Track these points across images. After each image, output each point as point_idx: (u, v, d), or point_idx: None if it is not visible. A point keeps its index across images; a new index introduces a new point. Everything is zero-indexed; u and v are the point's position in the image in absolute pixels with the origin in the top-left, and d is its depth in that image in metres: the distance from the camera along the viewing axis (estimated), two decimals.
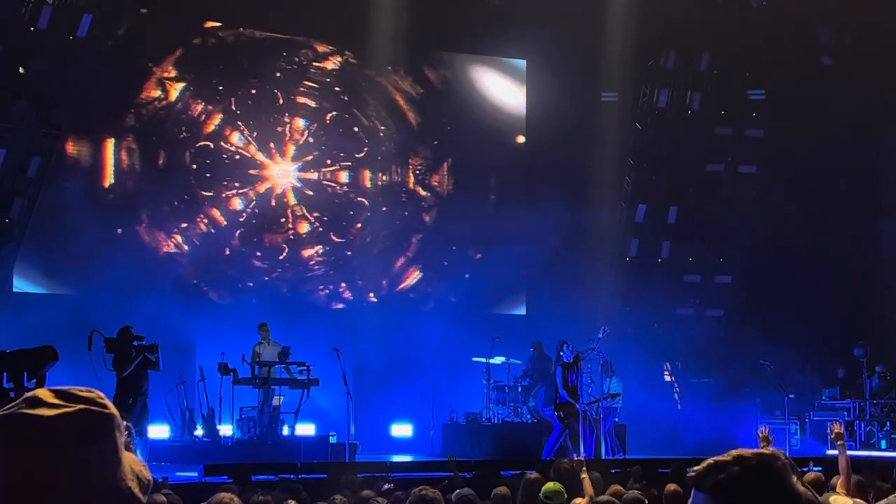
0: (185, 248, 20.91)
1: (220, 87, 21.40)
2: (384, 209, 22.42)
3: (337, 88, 22.25)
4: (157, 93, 20.93)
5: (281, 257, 21.60)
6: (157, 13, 20.64)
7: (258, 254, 21.48)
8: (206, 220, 21.15)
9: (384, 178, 22.57)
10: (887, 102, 22.14)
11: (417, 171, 22.81)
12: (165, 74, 21.00)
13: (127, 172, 20.69)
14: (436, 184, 22.93)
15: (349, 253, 22.08)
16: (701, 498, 2.41)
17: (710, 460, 2.44)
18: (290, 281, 21.54)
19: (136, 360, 14.74)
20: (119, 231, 20.20)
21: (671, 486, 8.67)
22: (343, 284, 22.07)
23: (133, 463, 1.95)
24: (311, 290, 21.74)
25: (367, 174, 22.42)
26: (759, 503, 2.37)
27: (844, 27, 22.52)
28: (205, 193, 21.15)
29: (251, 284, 21.25)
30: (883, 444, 19.56)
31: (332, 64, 22.30)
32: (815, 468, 12.96)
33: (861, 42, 22.01)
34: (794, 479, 2.44)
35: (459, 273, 21.93)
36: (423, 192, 22.85)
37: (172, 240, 20.84)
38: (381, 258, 22.16)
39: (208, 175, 21.19)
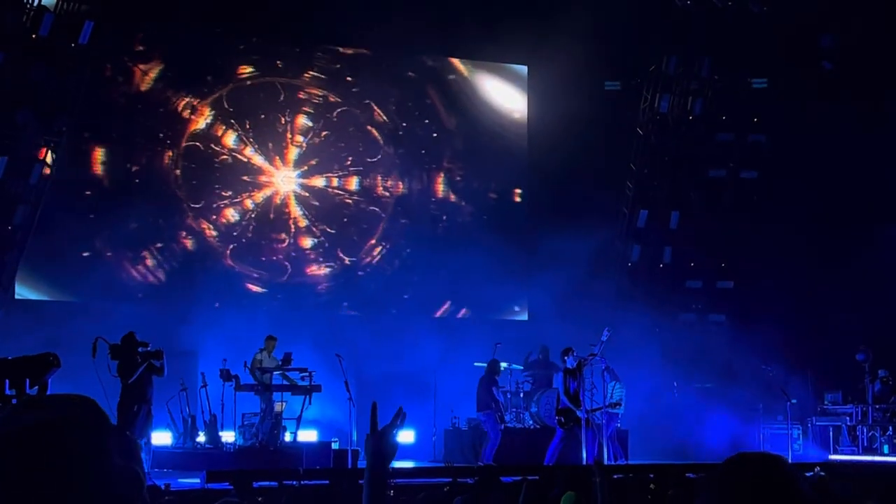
0: (158, 274, 20.46)
1: (209, 78, 21.26)
2: (403, 221, 22.30)
3: (349, 78, 22.13)
4: (199, 124, 20.80)
5: (283, 247, 21.44)
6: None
7: (255, 276, 21.30)
8: (224, 219, 21.03)
9: (401, 186, 22.33)
10: (889, 106, 22.13)
11: (456, 178, 22.58)
12: (202, 110, 20.82)
13: (117, 177, 20.52)
14: (451, 190, 22.73)
15: (361, 273, 21.93)
16: (709, 500, 2.43)
17: (719, 464, 2.46)
18: (293, 304, 21.35)
19: (141, 367, 14.74)
20: (116, 239, 20.17)
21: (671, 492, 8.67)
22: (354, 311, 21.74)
23: (128, 464, 1.95)
24: (317, 305, 21.57)
25: (355, 180, 22.26)
26: (765, 502, 2.39)
27: (846, 31, 22.51)
28: (194, 206, 20.98)
29: (260, 275, 21.16)
30: (885, 448, 19.53)
31: (342, 50, 22.04)
32: (820, 473, 12.98)
33: (863, 46, 21.99)
34: (799, 479, 2.46)
35: (460, 278, 21.91)
36: (434, 199, 22.65)
37: (142, 265, 20.38)
38: (395, 277, 22.01)
39: (194, 182, 21.00)
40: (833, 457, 19.27)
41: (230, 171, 21.18)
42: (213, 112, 21.07)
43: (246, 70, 21.36)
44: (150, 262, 20.51)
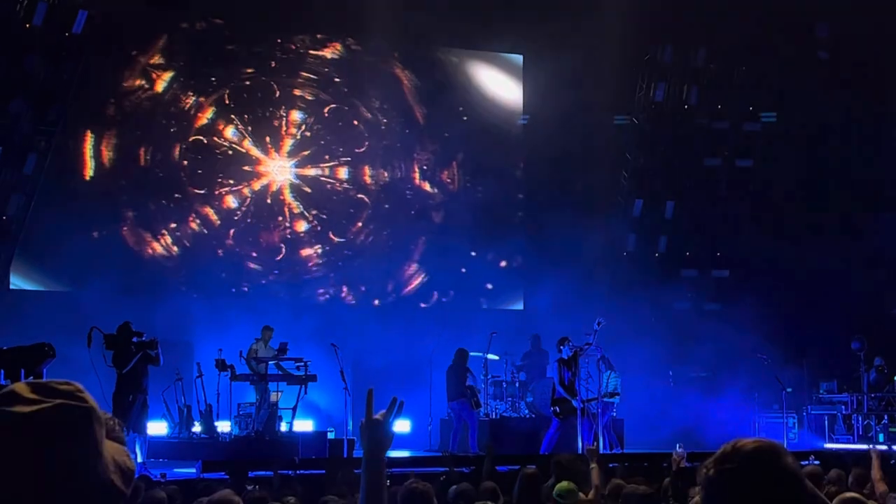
0: (175, 249, 20.83)
1: (213, 79, 21.34)
2: (386, 206, 22.37)
3: (337, 79, 22.18)
4: (142, 82, 20.79)
5: (278, 258, 21.58)
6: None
7: (254, 254, 21.43)
8: (197, 220, 21.13)
9: (385, 174, 22.49)
10: (885, 96, 22.15)
11: (424, 167, 22.75)
12: (151, 61, 20.88)
13: (114, 167, 20.58)
14: (447, 180, 22.84)
15: (348, 252, 22.03)
16: (714, 489, 2.43)
17: (717, 453, 2.47)
18: (288, 284, 21.45)
19: (135, 357, 14.74)
20: (114, 227, 20.18)
21: (666, 482, 8.68)
22: (345, 288, 22.01)
23: (116, 453, 1.94)
24: (311, 294, 21.66)
25: (368, 170, 22.38)
26: (764, 488, 2.39)
27: (842, 21, 22.49)
28: (196, 191, 21.11)
29: (246, 289, 21.23)
30: (881, 437, 19.57)
31: (331, 52, 22.19)
32: (814, 461, 13.01)
33: (858, 36, 21.99)
34: (794, 462, 2.47)
35: (456, 268, 21.93)
36: (429, 189, 22.74)
37: (160, 241, 20.75)
38: (386, 259, 22.10)
39: (200, 171, 21.15)
40: (828, 445, 19.31)
41: (231, 162, 21.25)
42: (215, 109, 21.17)
43: (246, 71, 21.46)
44: (148, 249, 20.52)
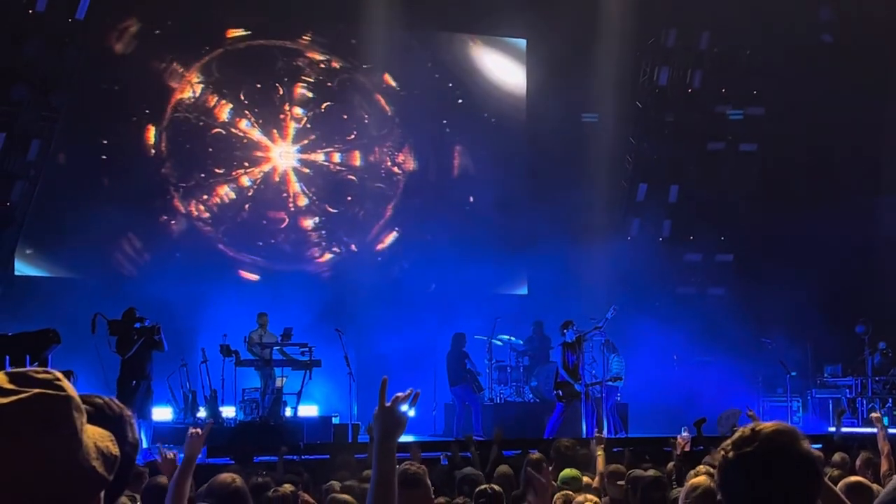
0: (206, 214, 21.20)
1: (233, 84, 21.45)
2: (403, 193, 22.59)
3: (329, 84, 22.19)
4: (187, 92, 21.10)
5: (283, 226, 21.68)
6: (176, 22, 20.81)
7: (264, 222, 21.58)
8: (217, 197, 21.29)
9: (371, 158, 22.55)
10: (888, 80, 22.08)
11: (424, 153, 22.80)
12: (191, 76, 21.10)
13: (121, 153, 20.62)
14: (447, 165, 22.91)
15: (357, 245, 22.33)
16: (732, 472, 2.45)
17: (735, 436, 2.49)
18: (292, 270, 21.54)
19: (137, 343, 14.77)
20: (118, 213, 20.18)
21: (670, 466, 8.69)
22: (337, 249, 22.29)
23: (99, 439, 1.93)
24: (315, 278, 21.75)
25: (358, 155, 22.43)
26: (782, 472, 2.41)
27: (846, 4, 22.42)
28: (217, 171, 21.27)
29: (250, 274, 21.27)
30: (885, 420, 19.55)
31: (323, 65, 22.23)
32: (814, 446, 13.01)
33: (862, 19, 21.91)
34: (811, 447, 2.50)
35: (460, 252, 21.92)
36: (396, 172, 22.78)
37: (197, 208, 21.13)
38: (394, 247, 22.21)
39: (222, 156, 21.35)
40: (832, 429, 19.32)
41: (223, 146, 21.28)
42: (223, 104, 21.27)
43: (236, 32, 21.44)
44: (145, 240, 20.54)
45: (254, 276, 21.30)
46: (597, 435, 10.22)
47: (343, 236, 22.19)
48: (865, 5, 21.68)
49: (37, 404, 1.83)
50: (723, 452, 2.51)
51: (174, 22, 20.96)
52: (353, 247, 22.24)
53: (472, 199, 22.39)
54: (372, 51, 21.82)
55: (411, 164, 22.74)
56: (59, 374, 1.91)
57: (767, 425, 2.51)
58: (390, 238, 22.45)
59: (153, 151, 20.88)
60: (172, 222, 20.91)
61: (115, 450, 1.95)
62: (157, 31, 20.85)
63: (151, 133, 20.87)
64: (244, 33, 21.49)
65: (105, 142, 20.44)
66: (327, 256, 22.11)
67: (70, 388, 1.89)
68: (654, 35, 23.12)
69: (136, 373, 14.74)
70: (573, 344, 17.05)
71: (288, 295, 19.56)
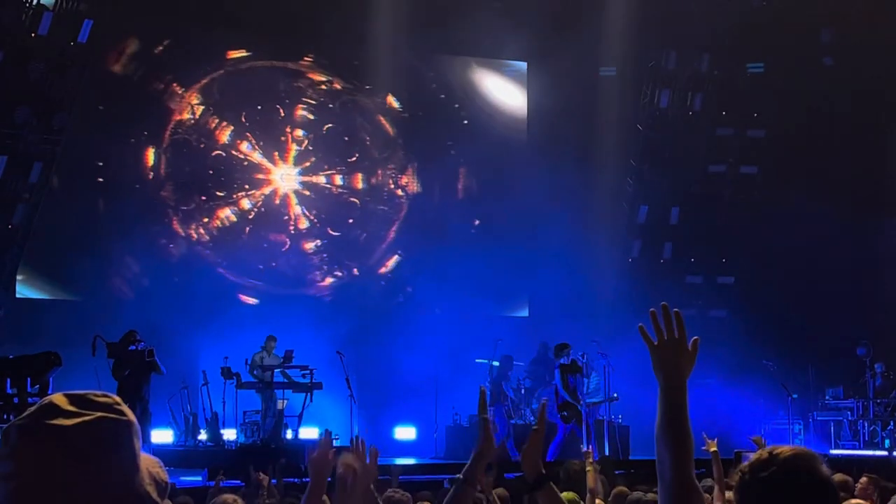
0: (206, 238, 21.19)
1: (234, 106, 21.50)
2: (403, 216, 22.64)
3: (330, 106, 22.27)
4: (186, 114, 21.18)
5: (284, 249, 21.70)
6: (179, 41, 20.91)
7: (265, 245, 21.57)
8: (218, 220, 21.31)
9: (374, 180, 22.58)
10: (890, 102, 22.10)
11: (426, 176, 22.83)
12: (191, 98, 21.18)
13: (123, 176, 20.66)
14: (449, 188, 22.94)
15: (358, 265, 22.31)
16: (749, 494, 2.45)
17: (753, 458, 2.50)
18: (294, 293, 21.53)
19: (129, 366, 14.74)
20: (121, 235, 20.20)
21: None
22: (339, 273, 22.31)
23: (150, 465, 1.96)
24: (317, 301, 21.75)
25: (360, 177, 22.45)
26: (799, 496, 2.41)
27: (846, 27, 22.47)
28: (218, 194, 21.29)
29: (251, 298, 21.27)
30: (886, 443, 19.53)
31: (325, 86, 22.31)
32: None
33: (863, 42, 21.96)
34: (828, 471, 2.50)
35: (461, 274, 21.91)
36: (398, 195, 22.81)
37: (198, 231, 21.13)
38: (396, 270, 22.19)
39: (223, 179, 21.36)
40: (834, 451, 19.26)
41: (223, 168, 21.31)
42: (224, 126, 21.37)
43: (237, 54, 21.51)
44: (146, 263, 20.53)
45: (252, 300, 21.27)
46: (585, 452, 10.14)
47: (345, 259, 22.19)
48: (866, 27, 21.71)
49: (100, 428, 1.86)
50: (740, 475, 2.51)
51: (175, 43, 21.05)
52: (356, 270, 22.24)
53: (477, 222, 22.43)
54: (374, 72, 21.89)
55: (415, 187, 22.77)
56: (119, 399, 1.94)
57: (785, 449, 2.51)
58: (392, 262, 22.45)
59: (152, 174, 20.93)
60: (171, 246, 20.90)
61: (164, 476, 1.99)
62: (158, 52, 20.93)
63: (150, 155, 20.92)
64: (245, 54, 21.55)
65: (100, 164, 20.47)
66: (329, 280, 22.11)
67: (129, 412, 1.92)
68: (655, 58, 23.19)
69: (130, 396, 14.71)
70: (571, 366, 17.04)
71: (290, 317, 19.54)
